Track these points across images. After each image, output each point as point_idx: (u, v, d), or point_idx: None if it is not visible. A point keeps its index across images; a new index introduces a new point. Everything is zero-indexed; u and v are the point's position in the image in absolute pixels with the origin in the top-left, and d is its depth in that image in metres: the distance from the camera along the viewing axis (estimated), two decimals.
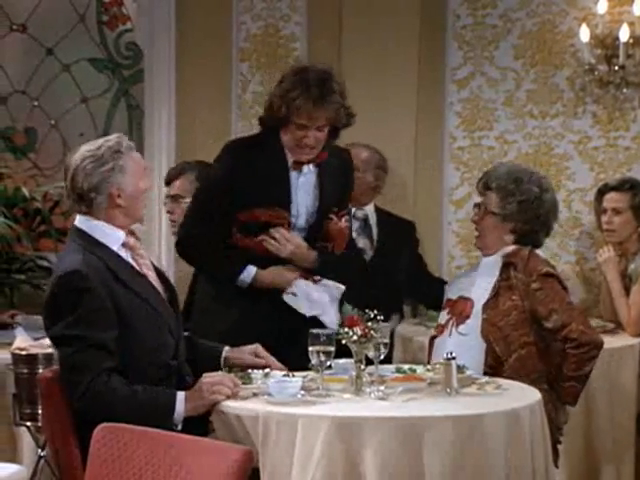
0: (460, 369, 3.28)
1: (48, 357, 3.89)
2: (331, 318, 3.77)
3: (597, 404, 4.26)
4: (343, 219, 3.87)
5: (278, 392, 3.08)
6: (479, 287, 3.72)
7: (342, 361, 3.32)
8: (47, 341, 4.08)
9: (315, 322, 3.74)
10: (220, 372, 3.29)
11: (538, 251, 3.83)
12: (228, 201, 3.77)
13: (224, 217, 3.78)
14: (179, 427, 3.07)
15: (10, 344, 4.10)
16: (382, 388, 3.15)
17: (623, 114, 5.28)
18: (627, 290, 4.69)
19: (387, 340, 3.21)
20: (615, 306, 4.70)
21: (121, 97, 6.50)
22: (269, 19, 5.61)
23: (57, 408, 3.13)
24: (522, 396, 3.20)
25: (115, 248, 3.21)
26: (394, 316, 4.94)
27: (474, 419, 2.94)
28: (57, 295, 3.11)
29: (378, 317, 3.18)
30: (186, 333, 3.46)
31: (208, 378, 3.14)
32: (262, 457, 2.94)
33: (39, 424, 3.79)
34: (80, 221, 3.24)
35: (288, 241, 3.77)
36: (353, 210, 5.10)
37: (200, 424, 3.11)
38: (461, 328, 3.69)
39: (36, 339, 4.07)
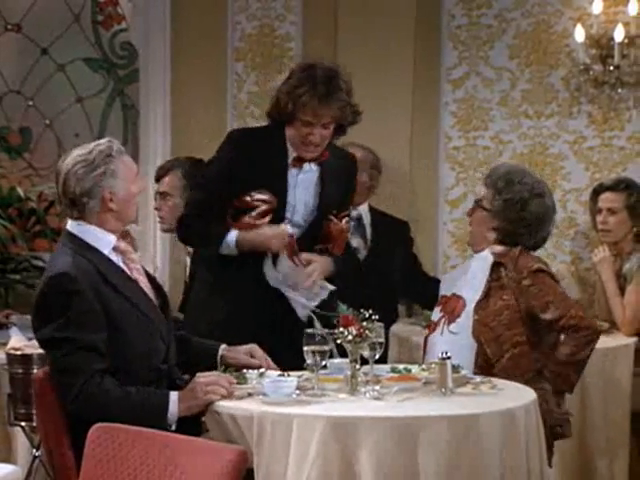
0: (455, 369, 3.28)
1: (43, 357, 3.87)
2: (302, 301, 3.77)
3: (592, 402, 4.27)
4: (343, 221, 3.87)
5: (273, 392, 3.08)
6: (471, 286, 3.73)
7: (337, 361, 3.32)
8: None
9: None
10: (215, 372, 3.29)
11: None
12: (227, 188, 3.78)
13: (222, 204, 3.79)
14: (173, 427, 3.06)
15: (5, 344, 4.10)
16: (377, 388, 3.15)
17: (618, 114, 5.29)
18: (622, 290, 4.70)
19: (382, 340, 3.21)
20: (610, 306, 4.70)
21: (116, 97, 6.50)
22: (264, 19, 5.61)
23: (51, 408, 3.13)
24: (517, 396, 3.20)
25: (106, 252, 3.21)
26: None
27: (469, 419, 2.94)
28: (46, 297, 3.11)
29: (373, 317, 3.18)
30: (181, 332, 3.46)
31: (202, 378, 3.14)
32: (257, 457, 2.93)
33: (34, 424, 3.79)
34: (71, 225, 3.25)
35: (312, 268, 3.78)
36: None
37: (193, 424, 3.11)
38: (452, 327, 3.70)
39: (31, 339, 4.06)
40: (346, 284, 3.95)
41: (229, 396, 3.11)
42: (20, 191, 6.08)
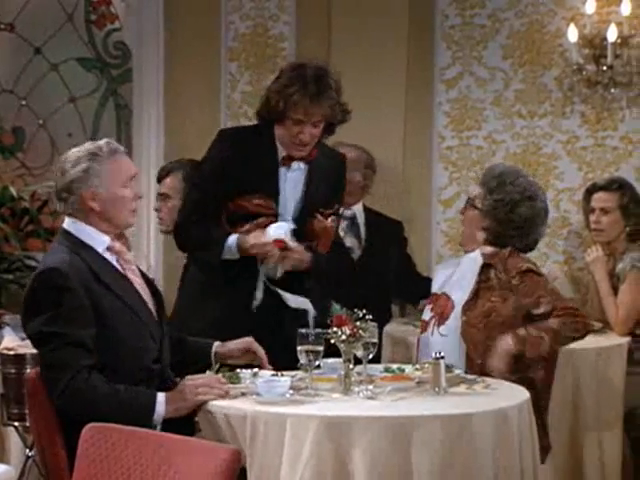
0: (449, 368, 3.28)
1: (36, 357, 3.87)
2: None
3: (584, 402, 4.27)
4: (329, 219, 3.87)
5: (266, 391, 3.08)
6: (459, 287, 3.72)
7: (331, 360, 3.32)
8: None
9: (302, 313, 3.77)
10: (205, 374, 3.29)
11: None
12: (222, 188, 3.79)
13: (218, 204, 3.79)
14: (158, 428, 3.06)
15: None
16: (371, 387, 3.15)
17: (611, 114, 5.30)
18: (615, 289, 4.70)
19: (376, 339, 3.21)
20: (603, 305, 4.71)
21: (109, 97, 6.49)
22: (258, 19, 5.61)
23: (44, 408, 3.12)
24: (510, 395, 3.21)
25: (100, 250, 3.22)
26: None
27: (463, 418, 2.94)
28: (35, 292, 3.12)
29: (366, 317, 3.18)
30: (177, 334, 3.45)
31: (190, 381, 3.14)
32: (250, 457, 2.93)
33: (27, 424, 3.79)
34: (67, 223, 3.27)
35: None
36: (341, 210, 5.11)
37: (186, 424, 3.10)
38: (442, 329, 3.70)
39: (24, 339, 4.05)
40: (335, 282, 3.96)
41: (224, 396, 3.11)
42: (13, 191, 6.07)
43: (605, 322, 4.67)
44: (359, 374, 3.21)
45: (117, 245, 3.26)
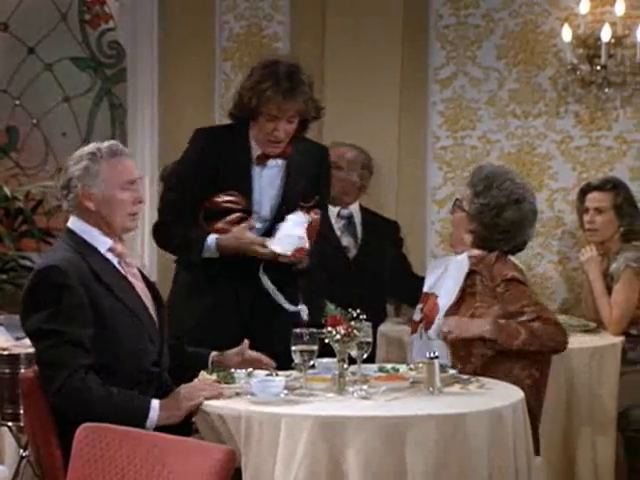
0: (443, 368, 3.28)
1: (30, 357, 3.87)
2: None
3: (578, 402, 4.27)
4: (312, 213, 3.87)
5: (261, 391, 3.08)
6: (446, 290, 3.71)
7: (325, 360, 3.32)
8: (29, 341, 4.07)
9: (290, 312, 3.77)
10: (201, 372, 3.29)
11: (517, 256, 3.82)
12: (197, 187, 3.82)
13: (194, 203, 3.80)
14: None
15: None
16: (365, 387, 3.15)
17: (605, 114, 5.31)
18: (609, 289, 4.70)
19: (370, 339, 3.21)
20: (597, 305, 4.71)
21: (104, 96, 6.49)
22: (252, 18, 5.61)
23: (38, 408, 3.12)
24: (505, 395, 3.21)
25: (103, 251, 3.22)
26: None
27: (457, 418, 2.94)
28: (35, 289, 3.12)
29: (361, 316, 3.18)
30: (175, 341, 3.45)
31: (185, 388, 3.14)
32: (245, 457, 2.93)
33: (21, 424, 3.78)
34: (72, 222, 3.26)
35: None
36: (337, 209, 5.11)
37: (183, 425, 3.11)
38: (430, 332, 3.69)
39: (18, 339, 4.05)
40: (336, 282, 3.96)
41: (217, 396, 3.11)
42: (7, 190, 6.06)
43: (599, 322, 4.68)
44: (353, 374, 3.21)
45: (119, 247, 3.27)
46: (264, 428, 2.92)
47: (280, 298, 3.83)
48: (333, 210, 5.08)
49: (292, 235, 3.78)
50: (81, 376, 3.05)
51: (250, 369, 3.34)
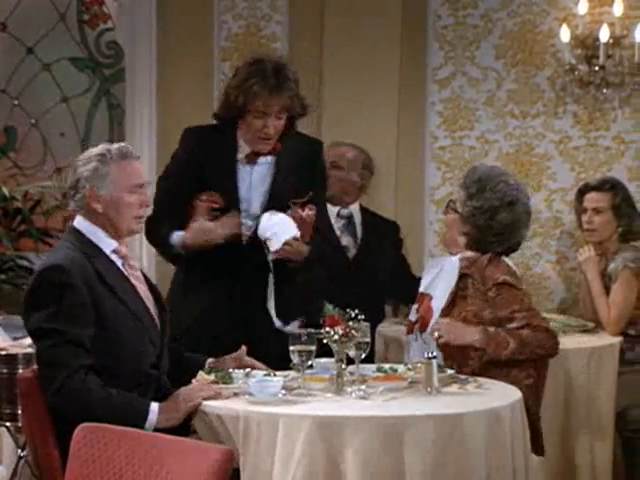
0: (441, 368, 3.28)
1: (28, 357, 3.88)
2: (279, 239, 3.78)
3: (576, 402, 4.27)
4: (306, 209, 3.86)
5: (259, 391, 3.08)
6: (440, 292, 3.70)
7: (323, 360, 3.32)
8: (27, 341, 4.07)
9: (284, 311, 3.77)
10: (199, 372, 3.29)
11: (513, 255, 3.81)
12: (184, 185, 3.83)
13: (180, 201, 3.81)
14: None
15: None
16: (363, 387, 3.15)
17: (603, 114, 5.31)
18: (607, 289, 4.71)
19: (368, 339, 3.21)
20: (595, 305, 4.71)
21: (102, 96, 6.49)
22: (250, 19, 5.61)
23: (36, 408, 3.12)
24: (503, 395, 3.21)
25: (107, 252, 3.23)
26: None
27: (455, 418, 2.95)
28: (37, 288, 3.12)
29: (359, 316, 3.18)
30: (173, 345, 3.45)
31: (183, 391, 3.14)
32: (243, 457, 2.93)
33: (19, 424, 3.78)
34: (78, 221, 3.26)
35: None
36: (337, 209, 5.11)
37: (181, 426, 3.10)
38: (424, 336, 3.69)
39: (16, 339, 4.05)
40: (335, 282, 3.95)
41: (215, 397, 3.11)
42: (5, 190, 6.06)
43: (597, 322, 4.68)
44: (352, 374, 3.21)
45: (124, 249, 3.27)
46: (262, 428, 2.92)
47: (272, 312, 3.82)
48: (333, 210, 5.08)
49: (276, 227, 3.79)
50: (81, 377, 3.05)
51: (248, 369, 3.34)
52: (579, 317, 4.78)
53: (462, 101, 5.46)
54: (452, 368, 3.43)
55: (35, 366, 3.33)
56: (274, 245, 3.75)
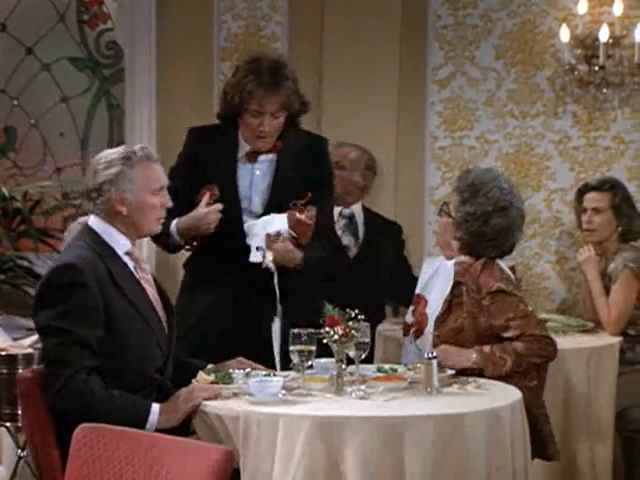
0: (441, 369, 3.28)
1: (28, 357, 3.88)
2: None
3: (576, 402, 4.28)
4: (305, 211, 3.86)
5: (259, 392, 3.08)
6: (434, 298, 3.69)
7: (323, 360, 3.32)
8: (27, 341, 4.07)
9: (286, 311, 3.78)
10: (199, 372, 3.28)
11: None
12: (187, 183, 3.83)
13: (182, 199, 3.80)
14: None
15: None
16: (363, 387, 3.15)
17: (603, 114, 5.31)
18: (607, 289, 4.71)
19: (368, 339, 3.21)
20: (595, 305, 4.71)
21: (102, 96, 6.49)
22: (250, 19, 5.60)
23: (36, 408, 3.12)
24: (503, 395, 3.21)
25: (120, 254, 3.22)
26: None
27: (455, 418, 2.95)
28: (49, 285, 3.11)
29: (359, 316, 3.18)
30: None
31: (183, 392, 3.14)
32: (243, 457, 2.93)
33: (19, 425, 3.78)
34: (93, 221, 3.25)
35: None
36: (339, 209, 5.11)
37: (181, 426, 3.10)
38: (418, 342, 3.69)
39: (16, 339, 4.05)
40: (335, 281, 3.95)
41: (214, 397, 3.11)
42: (5, 190, 6.06)
43: (597, 322, 4.68)
44: (351, 374, 3.21)
45: (136, 252, 3.27)
46: (262, 428, 2.92)
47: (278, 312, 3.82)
48: (335, 209, 5.08)
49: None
50: (83, 377, 3.05)
51: (248, 369, 3.34)
52: (579, 317, 4.78)
53: (462, 101, 5.46)
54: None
55: (35, 366, 3.34)
56: (255, 243, 3.75)
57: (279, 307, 3.74)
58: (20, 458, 4.04)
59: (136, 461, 2.72)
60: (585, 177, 5.26)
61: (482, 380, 3.38)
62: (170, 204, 3.35)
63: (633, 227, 4.82)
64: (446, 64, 5.48)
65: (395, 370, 3.38)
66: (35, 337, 4.08)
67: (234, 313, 3.81)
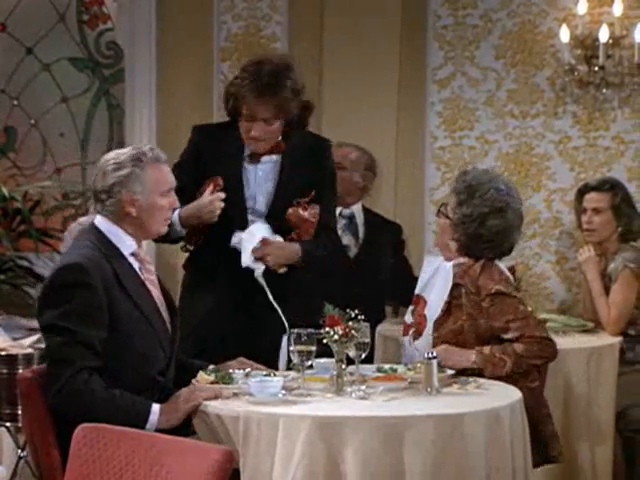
0: (441, 369, 3.28)
1: (28, 357, 3.88)
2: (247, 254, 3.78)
3: (576, 402, 4.28)
4: (308, 209, 3.86)
5: (259, 392, 3.08)
6: (433, 299, 3.68)
7: (323, 360, 3.32)
8: (26, 341, 4.07)
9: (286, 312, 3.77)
10: (199, 372, 3.28)
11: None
12: (188, 179, 3.82)
13: (185, 195, 3.80)
14: None
15: None
16: (363, 388, 3.15)
17: (603, 114, 5.31)
18: (607, 290, 4.71)
19: (368, 340, 3.21)
20: (595, 305, 4.71)
21: (101, 97, 6.49)
22: (250, 19, 5.61)
23: (36, 408, 3.12)
24: (503, 395, 3.21)
25: (126, 254, 3.22)
26: None
27: (455, 418, 2.95)
28: (55, 284, 3.10)
29: (359, 317, 3.18)
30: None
31: (184, 392, 3.13)
32: (243, 457, 2.93)
33: (19, 425, 3.78)
34: (99, 221, 3.24)
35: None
36: (339, 209, 5.11)
37: (182, 426, 3.10)
38: (416, 343, 3.69)
39: (16, 339, 4.05)
40: (329, 267, 3.94)
41: (214, 397, 3.11)
42: (5, 191, 6.06)
43: (597, 322, 4.68)
44: (351, 374, 3.21)
45: (142, 253, 3.27)
46: (262, 428, 2.92)
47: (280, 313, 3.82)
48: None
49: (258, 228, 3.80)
50: (84, 377, 3.04)
51: (248, 369, 3.34)
52: (579, 317, 4.78)
53: (462, 101, 5.46)
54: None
55: (35, 366, 3.33)
56: (244, 261, 3.76)
57: (286, 324, 3.70)
58: (20, 458, 4.05)
59: (136, 461, 2.72)
60: (585, 177, 5.26)
61: (482, 380, 3.38)
62: (178, 205, 3.35)
63: (633, 227, 4.82)
64: (446, 64, 5.48)
65: (395, 370, 3.38)
66: (35, 337, 4.09)
67: (234, 315, 3.81)
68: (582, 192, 4.93)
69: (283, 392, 3.11)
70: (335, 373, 3.20)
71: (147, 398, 3.13)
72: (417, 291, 3.83)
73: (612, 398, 4.37)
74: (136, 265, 3.24)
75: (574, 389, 4.27)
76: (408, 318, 3.81)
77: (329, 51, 5.45)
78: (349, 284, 4.83)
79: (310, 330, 3.19)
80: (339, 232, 5.02)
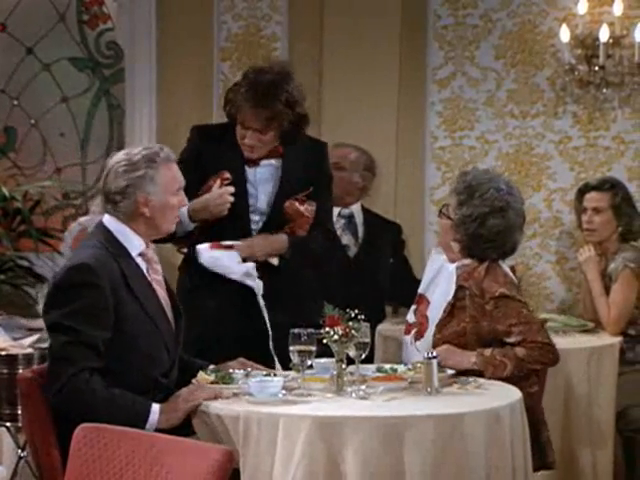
0: (441, 369, 3.28)
1: (28, 357, 3.88)
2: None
3: (576, 402, 4.28)
4: (305, 204, 3.87)
5: (259, 392, 3.08)
6: (436, 300, 3.68)
7: (323, 360, 3.32)
8: (26, 341, 4.07)
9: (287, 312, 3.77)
10: (199, 372, 3.28)
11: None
12: (194, 177, 3.81)
13: (191, 195, 3.82)
14: None
15: None
16: (363, 387, 3.15)
17: (603, 114, 5.31)
18: (607, 289, 4.71)
19: (368, 339, 3.21)
20: (595, 305, 4.71)
21: (102, 96, 6.49)
22: (250, 19, 5.61)
23: (36, 408, 3.12)
24: (503, 395, 3.21)
25: (133, 254, 3.22)
26: None
27: (455, 418, 2.95)
28: (63, 284, 3.10)
29: (359, 317, 3.18)
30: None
31: (184, 391, 3.14)
32: (243, 457, 2.93)
33: (19, 425, 3.78)
34: (108, 221, 3.24)
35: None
36: (338, 209, 5.11)
37: (182, 426, 3.10)
38: (418, 344, 3.69)
39: (16, 339, 4.05)
40: (316, 260, 3.96)
41: (214, 397, 3.11)
42: (5, 191, 6.06)
43: (597, 322, 4.68)
44: (352, 374, 3.21)
45: (150, 253, 3.26)
46: (262, 428, 2.92)
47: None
48: (334, 210, 5.08)
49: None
50: (85, 377, 3.04)
51: (248, 369, 3.34)
52: (579, 317, 4.78)
53: (462, 101, 5.47)
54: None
55: (35, 366, 3.33)
56: (236, 278, 3.79)
57: (270, 332, 3.76)
58: (20, 458, 4.05)
59: (136, 461, 2.72)
60: (585, 177, 5.26)
61: (482, 380, 3.38)
62: (187, 203, 3.35)
63: (633, 227, 4.82)
64: (446, 64, 5.48)
65: (395, 370, 3.38)
66: (35, 337, 4.09)
67: (235, 316, 3.80)
68: (582, 192, 4.93)
69: (283, 392, 3.11)
70: (335, 373, 3.20)
71: (149, 399, 3.13)
72: (420, 290, 3.83)
73: (612, 398, 4.37)
74: (143, 265, 3.24)
75: (574, 389, 4.27)
76: (410, 317, 3.81)
77: (329, 51, 5.45)
78: (349, 284, 4.83)
79: (310, 330, 3.19)
80: (339, 232, 5.03)
